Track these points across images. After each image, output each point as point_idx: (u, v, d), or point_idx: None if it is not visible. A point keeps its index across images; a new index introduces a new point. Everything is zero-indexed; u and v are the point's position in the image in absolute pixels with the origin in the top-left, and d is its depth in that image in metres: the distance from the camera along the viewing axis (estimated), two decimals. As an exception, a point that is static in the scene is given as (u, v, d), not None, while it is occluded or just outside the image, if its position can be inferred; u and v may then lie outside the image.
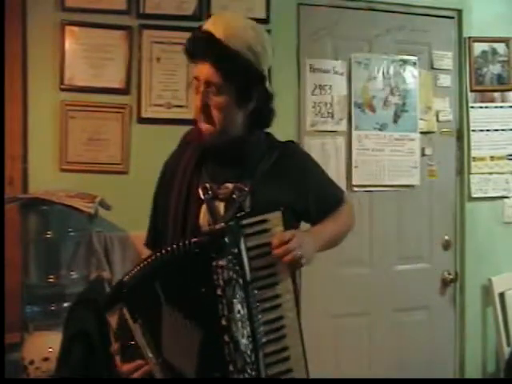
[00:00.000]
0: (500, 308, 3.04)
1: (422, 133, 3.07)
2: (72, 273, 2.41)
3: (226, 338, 1.16)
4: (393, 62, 3.03)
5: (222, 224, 1.27)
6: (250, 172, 1.40)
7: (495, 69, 3.18)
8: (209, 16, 2.74)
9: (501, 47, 3.18)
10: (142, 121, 2.68)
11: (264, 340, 1.20)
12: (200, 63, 1.37)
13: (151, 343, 1.25)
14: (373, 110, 2.99)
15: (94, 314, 2.16)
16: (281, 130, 2.67)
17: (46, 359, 2.19)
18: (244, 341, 1.17)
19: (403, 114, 3.04)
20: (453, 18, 3.15)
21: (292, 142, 1.60)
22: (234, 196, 1.36)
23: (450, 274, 3.11)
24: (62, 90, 2.59)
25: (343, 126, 2.96)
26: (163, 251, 1.24)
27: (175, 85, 2.71)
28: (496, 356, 3.14)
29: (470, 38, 3.13)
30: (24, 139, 2.55)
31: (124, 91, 2.65)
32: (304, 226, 1.54)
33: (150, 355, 1.25)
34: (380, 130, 2.99)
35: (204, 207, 1.39)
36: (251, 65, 1.35)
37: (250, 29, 1.37)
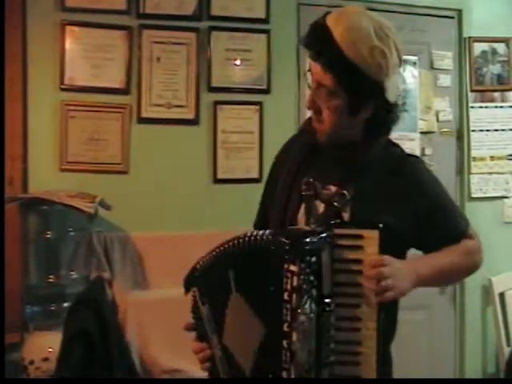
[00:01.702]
0: (500, 308, 3.04)
1: (421, 133, 3.07)
2: (72, 273, 2.41)
3: (285, 344, 1.09)
4: (393, 61, 3.02)
5: (312, 226, 1.22)
6: (357, 179, 1.29)
7: (495, 69, 3.18)
8: (209, 16, 2.76)
9: (501, 47, 3.18)
10: (142, 121, 2.67)
11: (332, 359, 1.12)
12: (314, 59, 1.28)
13: (214, 328, 1.26)
14: (373, 109, 2.99)
15: (94, 313, 2.17)
16: (281, 130, 2.70)
17: (45, 359, 2.19)
18: (303, 353, 1.09)
19: (403, 114, 3.03)
20: (453, 18, 3.15)
21: (416, 157, 1.48)
22: (335, 202, 1.26)
23: (449, 273, 3.11)
24: (62, 89, 2.59)
25: (343, 126, 2.95)
26: (240, 240, 1.19)
27: (175, 85, 2.70)
28: (496, 356, 3.14)
29: (470, 38, 3.13)
30: (24, 139, 2.55)
31: (124, 91, 2.65)
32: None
33: (212, 339, 1.27)
34: (380, 129, 2.99)
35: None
36: (365, 76, 1.24)
37: (373, 34, 1.27)
